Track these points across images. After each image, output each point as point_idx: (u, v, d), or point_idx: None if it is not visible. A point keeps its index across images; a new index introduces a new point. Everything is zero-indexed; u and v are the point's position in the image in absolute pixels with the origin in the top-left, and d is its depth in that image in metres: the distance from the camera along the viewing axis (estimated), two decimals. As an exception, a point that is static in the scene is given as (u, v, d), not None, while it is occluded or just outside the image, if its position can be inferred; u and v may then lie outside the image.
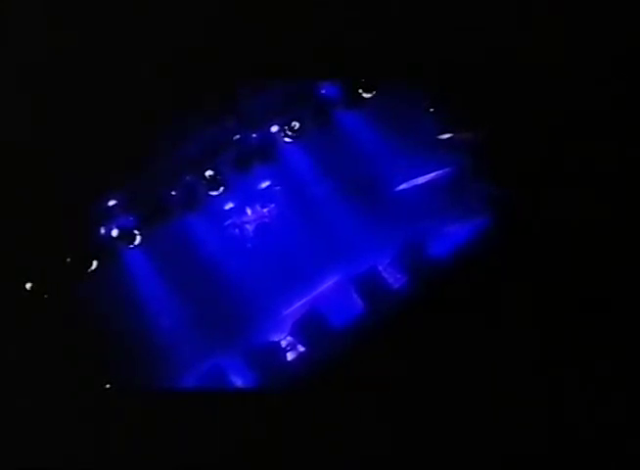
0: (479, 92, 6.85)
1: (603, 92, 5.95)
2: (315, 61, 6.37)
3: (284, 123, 9.21)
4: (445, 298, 6.01)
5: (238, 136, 8.87)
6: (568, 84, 6.10)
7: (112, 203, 7.98)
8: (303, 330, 7.29)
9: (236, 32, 5.59)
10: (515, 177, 6.62)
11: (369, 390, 5.03)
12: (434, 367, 4.98)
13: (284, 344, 7.64)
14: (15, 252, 6.24)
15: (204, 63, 5.62)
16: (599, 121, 5.91)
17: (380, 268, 7.86)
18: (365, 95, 9.30)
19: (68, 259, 7.78)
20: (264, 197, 9.63)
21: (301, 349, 7.38)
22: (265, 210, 9.59)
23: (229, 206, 9.44)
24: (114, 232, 8.35)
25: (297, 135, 9.28)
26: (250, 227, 9.48)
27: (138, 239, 8.50)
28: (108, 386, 6.97)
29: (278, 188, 9.66)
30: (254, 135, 9.06)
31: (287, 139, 9.32)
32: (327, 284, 8.85)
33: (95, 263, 8.01)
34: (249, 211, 9.53)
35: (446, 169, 8.92)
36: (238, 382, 7.20)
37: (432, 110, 9.18)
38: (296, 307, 8.62)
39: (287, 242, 9.40)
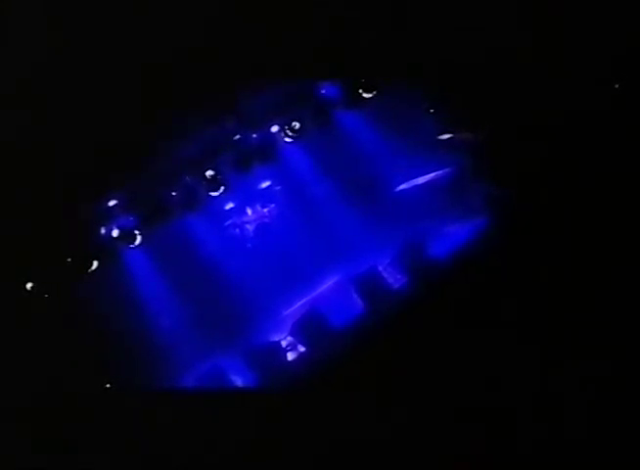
0: (479, 92, 6.86)
1: (603, 92, 5.96)
2: (315, 61, 6.37)
3: (284, 123, 9.19)
4: (445, 298, 6.00)
5: (238, 136, 8.87)
6: (568, 84, 6.11)
7: (112, 203, 7.97)
8: (304, 330, 7.29)
9: (236, 32, 5.59)
10: (515, 177, 6.63)
11: (369, 390, 5.03)
12: (435, 367, 4.97)
13: (284, 344, 7.63)
14: (15, 252, 6.24)
15: (204, 63, 5.63)
16: (599, 121, 5.92)
17: (380, 268, 7.86)
18: (365, 95, 9.28)
19: (69, 259, 7.79)
20: (264, 197, 9.62)
21: (302, 349, 7.38)
22: (265, 210, 9.58)
23: (229, 206, 9.42)
24: (115, 232, 8.35)
25: (297, 135, 9.26)
26: (250, 227, 9.48)
27: (138, 239, 8.49)
28: (108, 386, 6.97)
29: (278, 188, 9.64)
30: (255, 135, 9.05)
31: (287, 139, 9.30)
32: (327, 284, 8.84)
33: (95, 263, 8.02)
34: (249, 212, 9.52)
35: (446, 169, 8.91)
36: (238, 382, 7.20)
37: (432, 110, 9.18)
38: (296, 308, 8.61)
39: (287, 242, 9.38)
